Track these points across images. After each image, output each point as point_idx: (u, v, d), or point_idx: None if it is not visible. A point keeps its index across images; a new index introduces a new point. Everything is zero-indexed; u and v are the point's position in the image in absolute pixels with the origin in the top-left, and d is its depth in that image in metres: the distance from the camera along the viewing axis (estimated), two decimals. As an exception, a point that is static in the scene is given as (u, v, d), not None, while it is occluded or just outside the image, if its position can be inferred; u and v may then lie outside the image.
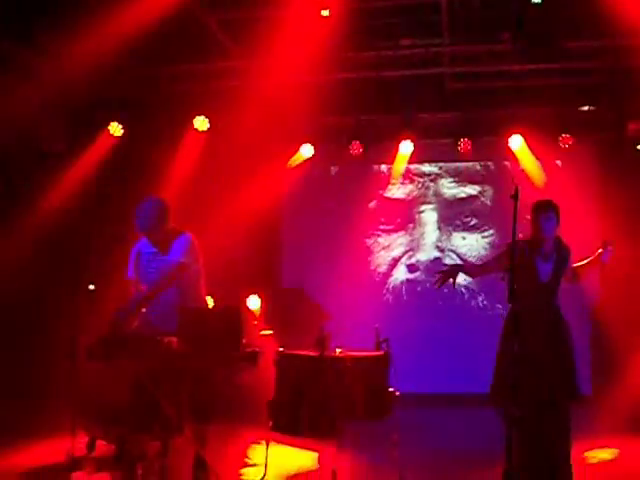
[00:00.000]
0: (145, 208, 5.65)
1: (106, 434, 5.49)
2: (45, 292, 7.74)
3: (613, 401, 7.57)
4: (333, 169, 9.88)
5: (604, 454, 6.68)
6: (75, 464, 5.40)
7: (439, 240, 9.88)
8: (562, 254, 5.42)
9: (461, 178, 9.80)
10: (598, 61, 7.70)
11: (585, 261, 5.49)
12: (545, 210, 5.35)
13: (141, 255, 5.74)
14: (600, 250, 5.41)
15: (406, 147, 9.14)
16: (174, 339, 5.05)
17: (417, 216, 9.94)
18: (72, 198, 7.92)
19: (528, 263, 5.29)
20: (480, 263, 4.97)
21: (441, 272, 5.38)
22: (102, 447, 6.02)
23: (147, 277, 5.64)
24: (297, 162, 9.63)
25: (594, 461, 6.39)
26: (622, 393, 7.58)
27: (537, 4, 6.10)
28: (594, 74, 8.06)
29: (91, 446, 6.11)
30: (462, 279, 9.72)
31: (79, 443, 5.53)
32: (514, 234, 4.64)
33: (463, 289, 9.72)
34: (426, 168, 9.94)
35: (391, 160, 9.65)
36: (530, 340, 5.01)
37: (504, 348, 5.23)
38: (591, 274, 5.68)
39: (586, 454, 6.48)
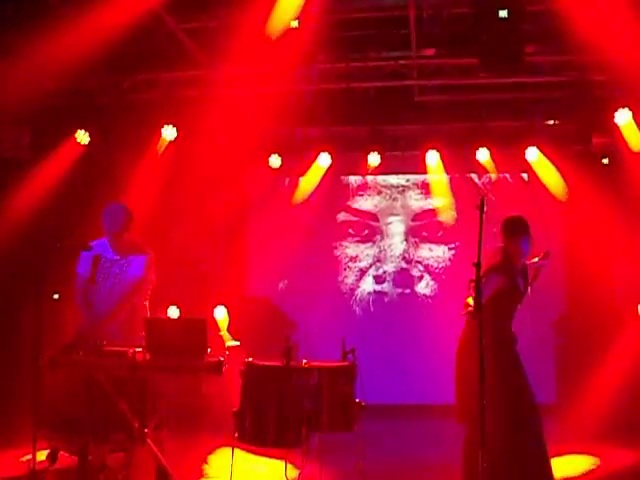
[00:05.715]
0: (114, 211, 5.76)
1: (68, 445, 5.40)
2: (7, 301, 7.61)
3: (577, 409, 7.65)
4: (300, 179, 9.83)
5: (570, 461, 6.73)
6: (36, 477, 5.29)
7: (406, 252, 9.92)
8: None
9: (428, 190, 9.85)
10: (563, 75, 7.80)
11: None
12: (528, 232, 5.35)
13: (100, 258, 5.74)
14: (537, 259, 5.49)
15: (373, 159, 9.16)
16: (139, 350, 5.02)
17: (384, 227, 9.97)
18: (35, 205, 7.80)
19: (516, 284, 5.31)
20: None
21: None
22: (64, 459, 5.91)
23: (105, 281, 5.69)
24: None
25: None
26: (586, 401, 7.67)
27: (504, 19, 6.17)
28: (559, 88, 8.16)
29: (52, 458, 6.00)
30: (429, 290, 9.83)
31: (40, 455, 5.43)
32: (480, 245, 4.65)
33: (430, 300, 9.76)
34: (394, 180, 10.00)
35: (359, 171, 9.69)
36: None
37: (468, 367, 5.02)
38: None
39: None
